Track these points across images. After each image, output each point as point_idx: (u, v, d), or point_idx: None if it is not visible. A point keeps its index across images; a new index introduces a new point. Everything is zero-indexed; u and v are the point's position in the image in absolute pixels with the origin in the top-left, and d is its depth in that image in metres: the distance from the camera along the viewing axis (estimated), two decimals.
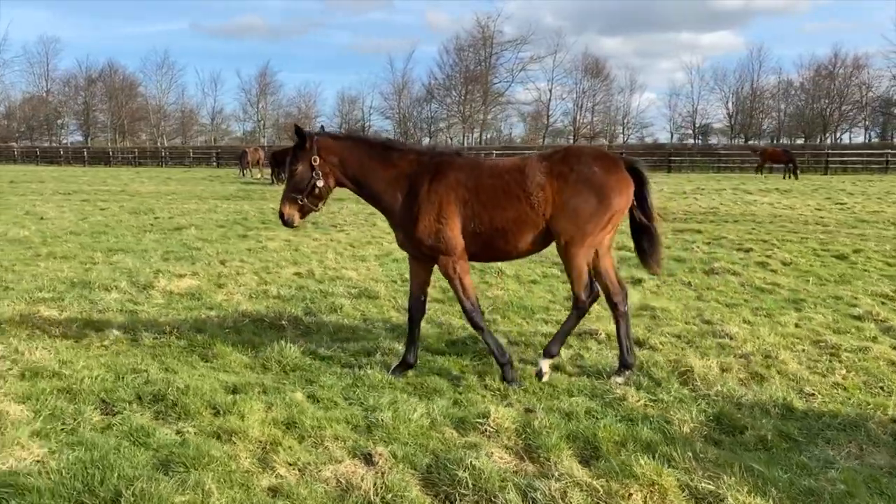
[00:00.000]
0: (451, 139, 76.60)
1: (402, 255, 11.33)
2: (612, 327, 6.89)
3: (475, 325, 5.72)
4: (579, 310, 5.77)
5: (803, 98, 70.26)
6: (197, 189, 29.88)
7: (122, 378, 5.67)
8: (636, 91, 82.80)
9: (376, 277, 9.81)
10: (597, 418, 4.92)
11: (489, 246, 5.63)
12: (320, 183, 5.61)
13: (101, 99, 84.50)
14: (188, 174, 45.43)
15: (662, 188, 29.44)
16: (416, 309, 5.92)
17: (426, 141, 76.96)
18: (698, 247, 12.79)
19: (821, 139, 68.32)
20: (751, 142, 69.32)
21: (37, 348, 6.41)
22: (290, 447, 4.45)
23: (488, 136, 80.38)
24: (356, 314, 7.85)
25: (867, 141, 68.45)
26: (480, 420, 4.77)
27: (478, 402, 5.25)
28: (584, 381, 5.76)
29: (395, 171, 5.64)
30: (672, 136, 79.09)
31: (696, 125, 78.93)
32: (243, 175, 40.09)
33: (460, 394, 5.47)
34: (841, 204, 21.68)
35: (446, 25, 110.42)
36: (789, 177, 37.17)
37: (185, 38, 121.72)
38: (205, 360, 6.26)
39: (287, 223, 5.72)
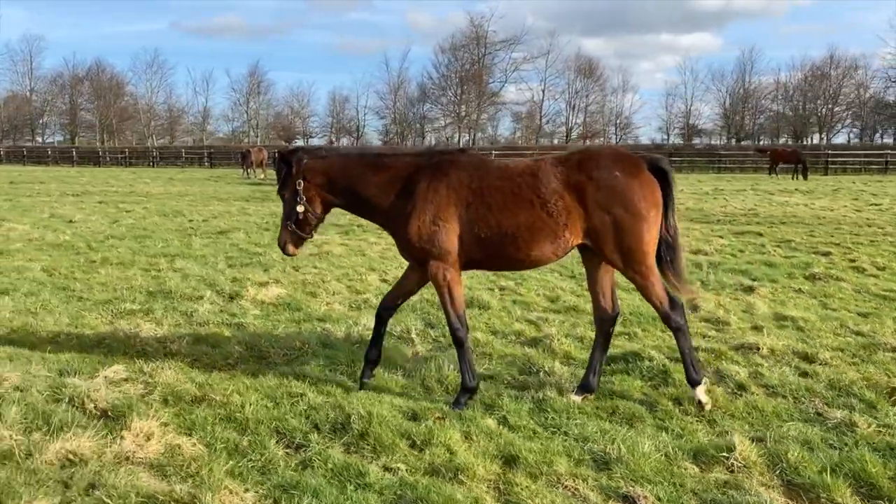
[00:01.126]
0: (448, 139, 76.11)
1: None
2: (773, 341, 6.48)
3: (457, 340, 5.20)
4: (674, 330, 5.18)
5: (799, 98, 70.52)
6: (208, 190, 29.12)
7: (281, 403, 5.13)
8: (629, 91, 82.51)
9: (471, 286, 9.28)
10: (838, 448, 4.45)
11: (498, 253, 5.12)
12: (300, 209, 5.27)
13: (88, 98, 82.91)
14: (186, 175, 44.51)
15: (682, 188, 29.18)
16: (383, 313, 5.57)
17: (420, 142, 76.41)
18: (774, 250, 12.39)
19: (811, 139, 68.72)
20: (743, 142, 69.57)
21: (161, 368, 5.84)
22: (528, 486, 3.95)
23: (482, 136, 79.90)
24: (480, 325, 7.32)
25: (848, 142, 68.82)
26: (723, 454, 4.28)
27: (695, 430, 4.77)
28: (782, 403, 5.29)
29: (388, 175, 5.21)
30: (669, 136, 79.19)
31: (690, 126, 79.08)
32: (247, 175, 39.32)
33: (663, 420, 4.97)
34: (876, 205, 21.47)
35: (428, 26, 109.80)
36: (797, 177, 37.10)
37: (165, 37, 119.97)
38: (354, 380, 5.71)
39: (283, 251, 5.46)
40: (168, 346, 6.64)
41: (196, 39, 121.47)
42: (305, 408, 5.06)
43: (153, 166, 61.71)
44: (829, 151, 51.48)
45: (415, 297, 8.30)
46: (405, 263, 5.68)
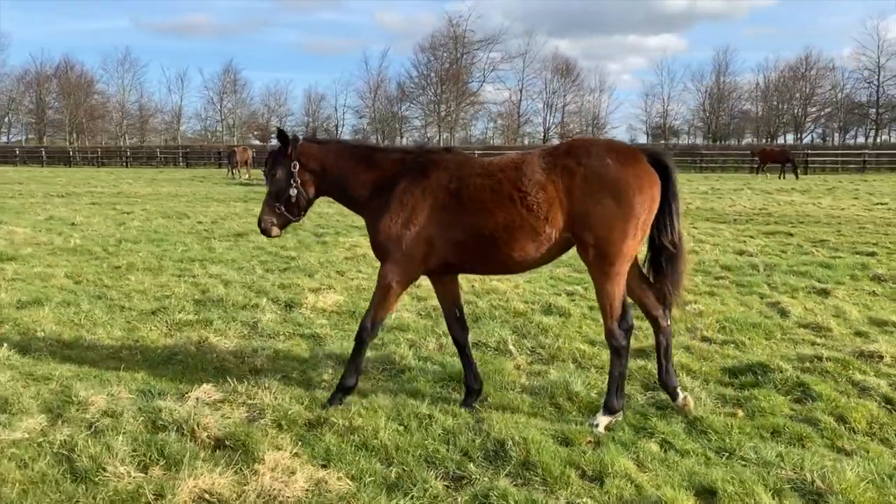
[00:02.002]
0: (428, 139, 75.60)
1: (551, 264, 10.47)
2: (891, 348, 6.15)
3: (359, 340, 4.99)
4: (612, 348, 4.73)
5: (774, 98, 71.35)
6: (199, 191, 28.25)
7: (410, 426, 4.63)
8: (605, 92, 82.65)
9: (535, 291, 8.83)
10: None
11: (480, 257, 4.80)
12: (293, 192, 5.11)
13: (56, 97, 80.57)
14: (167, 175, 43.38)
15: (681, 188, 29.03)
16: (456, 330, 5.22)
17: (400, 141, 75.81)
18: (816, 251, 12.14)
19: (785, 139, 69.60)
20: (718, 142, 70.17)
21: (255, 387, 5.31)
22: None
23: (462, 136, 79.53)
24: (570, 334, 6.87)
25: (811, 142, 69.65)
26: None
27: (881, 452, 4.38)
28: None
29: (377, 174, 5.04)
30: (648, 136, 79.60)
31: (667, 126, 79.61)
32: (232, 175, 38.45)
33: (833, 440, 4.58)
34: (882, 204, 21.49)
35: (398, 26, 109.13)
36: (783, 177, 37.35)
37: (129, 35, 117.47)
38: (456, 391, 5.23)
39: (264, 232, 5.24)
40: (248, 361, 6.11)
41: (162, 38, 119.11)
42: (441, 432, 4.57)
43: (126, 166, 60.18)
44: (809, 151, 52.11)
45: (493, 306, 7.86)
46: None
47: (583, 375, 5.59)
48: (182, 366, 6.02)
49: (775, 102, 71.20)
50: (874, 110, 66.51)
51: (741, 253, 11.92)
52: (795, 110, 70.28)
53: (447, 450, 4.29)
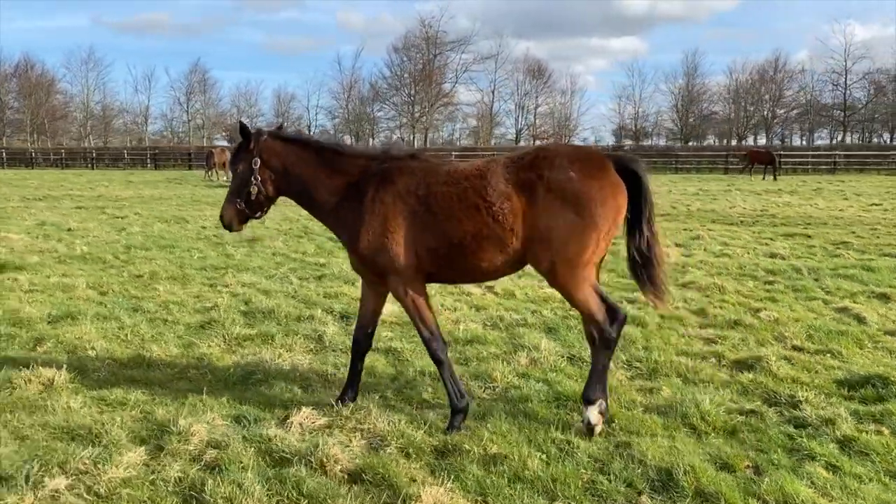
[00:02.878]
0: (403, 140, 75.09)
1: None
2: None
3: (434, 357, 4.78)
4: (604, 340, 4.62)
5: (744, 100, 72.41)
6: (182, 193, 27.42)
7: (550, 453, 4.28)
8: (576, 93, 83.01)
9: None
10: None
11: (449, 265, 4.69)
12: (254, 189, 4.93)
13: (15, 97, 77.98)
14: (139, 177, 42.19)
15: (670, 190, 29.20)
16: (362, 341, 5.13)
17: (374, 142, 75.18)
18: (846, 253, 12.07)
19: (756, 140, 70.69)
20: (689, 143, 70.97)
21: (358, 409, 4.91)
22: None
23: (434, 136, 79.16)
24: (658, 345, 6.57)
25: (771, 143, 70.74)
26: None
27: None
28: None
29: (341, 180, 4.87)
30: (620, 137, 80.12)
31: (638, 127, 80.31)
32: (209, 177, 37.52)
33: None
34: (877, 205, 21.74)
35: (359, 26, 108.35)
36: (767, 177, 37.78)
37: (88, 33, 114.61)
38: (577, 412, 4.87)
39: (227, 227, 5.14)
40: (331, 379, 5.69)
41: (122, 36, 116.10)
42: (587, 459, 4.23)
43: (91, 168, 58.46)
44: (782, 152, 52.87)
45: (562, 315, 7.52)
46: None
47: (706, 392, 5.26)
48: (263, 385, 5.57)
49: (744, 105, 72.22)
50: (840, 112, 67.89)
51: (773, 256, 11.78)
52: (765, 112, 71.41)
53: (609, 480, 3.94)
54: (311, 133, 79.48)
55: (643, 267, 4.75)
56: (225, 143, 73.91)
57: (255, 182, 4.92)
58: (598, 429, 4.56)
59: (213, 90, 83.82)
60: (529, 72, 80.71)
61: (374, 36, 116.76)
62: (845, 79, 67.16)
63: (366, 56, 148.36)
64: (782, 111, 71.81)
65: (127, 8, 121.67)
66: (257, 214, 5.11)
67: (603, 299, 4.63)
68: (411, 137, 73.62)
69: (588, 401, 4.58)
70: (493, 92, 79.73)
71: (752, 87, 72.04)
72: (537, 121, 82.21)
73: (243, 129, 4.96)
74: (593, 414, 4.56)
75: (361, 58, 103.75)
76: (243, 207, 5.01)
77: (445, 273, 4.82)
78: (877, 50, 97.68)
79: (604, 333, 4.58)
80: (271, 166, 4.94)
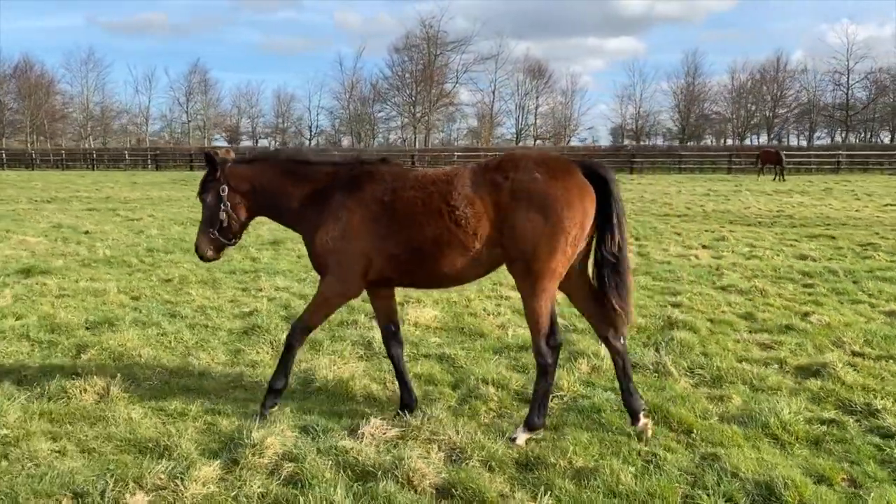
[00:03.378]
0: (404, 140, 75.01)
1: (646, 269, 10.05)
2: None
3: (289, 345, 4.93)
4: (539, 366, 4.57)
5: (747, 100, 72.41)
6: (191, 194, 27.11)
7: (636, 465, 4.15)
8: (577, 93, 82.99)
9: (638, 303, 8.39)
10: None
11: (411, 270, 4.71)
12: (223, 216, 4.98)
13: (14, 98, 77.62)
14: (142, 178, 41.98)
15: (680, 190, 29.15)
16: (392, 345, 5.12)
17: (374, 142, 75.07)
18: (876, 254, 11.97)
19: (758, 140, 70.66)
20: (687, 143, 70.90)
21: (428, 420, 4.78)
22: None
23: (436, 137, 79.07)
24: (717, 351, 6.44)
25: (768, 142, 70.68)
26: None
27: None
28: None
29: (309, 188, 4.92)
30: (622, 137, 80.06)
31: (638, 127, 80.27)
32: None
33: None
34: (891, 205, 21.66)
35: (357, 26, 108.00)
36: (776, 178, 37.73)
37: (83, 33, 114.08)
38: (653, 422, 4.79)
39: (202, 258, 5.19)
40: (391, 387, 5.56)
41: (117, 37, 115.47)
42: (677, 472, 4.11)
43: (92, 168, 58.22)
44: (785, 152, 52.85)
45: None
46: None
47: (778, 400, 5.13)
48: (323, 394, 5.46)
49: (747, 104, 72.20)
50: (842, 112, 67.92)
51: (803, 258, 11.68)
52: (767, 112, 71.40)
53: (707, 495, 3.81)
54: (313, 134, 79.40)
55: (614, 271, 4.61)
56: (226, 144, 73.83)
57: (224, 209, 4.97)
58: (523, 446, 4.46)
59: (214, 91, 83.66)
60: (530, 72, 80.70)
61: (372, 36, 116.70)
62: (847, 78, 67.22)
63: (365, 56, 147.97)
64: (783, 111, 71.80)
65: (122, 8, 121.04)
66: (232, 241, 5.13)
67: (553, 322, 4.63)
68: (413, 137, 73.50)
69: (529, 426, 4.57)
70: (493, 92, 79.69)
71: (753, 87, 72.00)
72: (538, 121, 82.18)
73: (209, 158, 5.02)
74: (522, 438, 4.53)
75: (362, 58, 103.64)
76: (217, 236, 5.04)
77: (406, 278, 4.83)
78: (876, 50, 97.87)
79: (539, 355, 4.53)
80: (240, 191, 4.99)
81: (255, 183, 5.00)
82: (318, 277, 4.97)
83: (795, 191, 28.74)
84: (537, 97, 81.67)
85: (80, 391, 5.27)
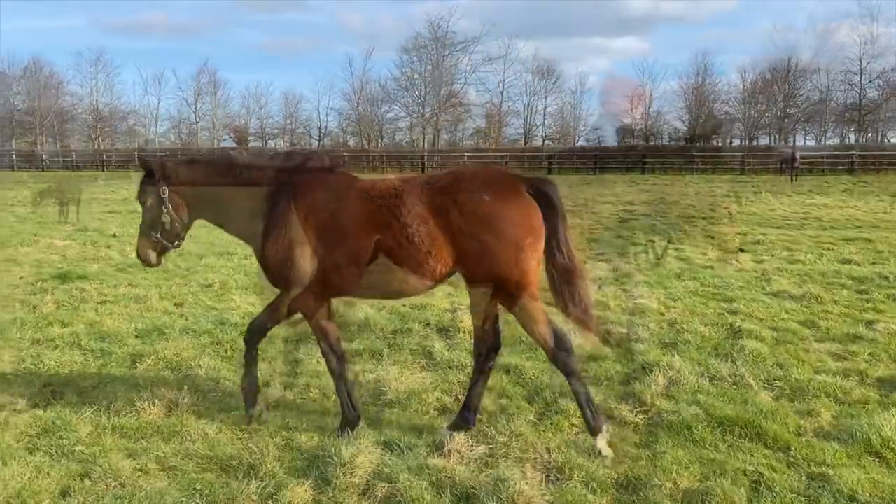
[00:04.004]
0: (413, 141, 74.92)
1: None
2: None
3: (330, 369, 4.90)
4: (566, 374, 4.62)
5: (758, 100, 72.02)
6: None
7: (742, 485, 3.98)
8: (585, 93, 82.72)
9: (694, 309, 8.23)
10: None
11: (358, 281, 4.64)
12: (166, 218, 4.88)
13: (24, 99, 77.64)
14: None
15: (699, 191, 28.95)
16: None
17: (381, 142, 74.95)
18: None
19: (771, 141, 70.29)
20: (696, 143, 70.58)
21: (512, 436, 4.62)
22: None
23: (446, 138, 78.90)
24: (790, 361, 6.26)
25: (778, 142, 70.26)
26: None
27: None
28: None
29: (254, 192, 4.81)
30: (634, 137, 79.75)
31: (648, 126, 79.90)
32: None
33: None
34: None
35: (360, 26, 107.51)
36: (793, 179, 37.51)
37: (88, 34, 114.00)
38: (747, 439, 4.63)
39: (144, 262, 5.06)
40: (461, 399, 5.37)
41: (117, 37, 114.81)
42: (790, 493, 3.94)
43: (103, 170, 58.26)
44: (799, 153, 52.57)
45: (677, 330, 7.22)
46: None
47: (868, 416, 4.96)
48: (396, 407, 5.30)
49: (756, 104, 71.84)
50: (855, 112, 67.52)
51: (847, 262, 11.49)
52: (778, 112, 71.01)
53: None
54: (323, 136, 79.38)
55: (566, 282, 4.59)
56: (234, 145, 73.84)
57: (166, 211, 4.87)
58: (609, 456, 4.43)
59: (223, 91, 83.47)
60: (538, 72, 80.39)
61: (376, 37, 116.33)
62: (860, 78, 66.77)
63: (374, 56, 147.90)
64: (794, 111, 71.40)
65: (121, 8, 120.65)
66: (175, 244, 5.03)
67: (496, 331, 4.83)
68: (422, 138, 73.41)
69: (593, 431, 4.56)
70: (501, 93, 79.42)
71: (765, 87, 71.60)
72: (547, 121, 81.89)
73: (143, 162, 4.98)
74: (602, 444, 4.50)
75: (371, 59, 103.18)
76: (159, 239, 4.94)
77: (354, 289, 4.78)
78: (887, 50, 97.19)
79: (558, 363, 4.57)
80: (181, 192, 4.90)
81: (196, 185, 4.91)
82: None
83: (815, 192, 28.49)
84: (546, 97, 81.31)
85: (149, 404, 5.13)
